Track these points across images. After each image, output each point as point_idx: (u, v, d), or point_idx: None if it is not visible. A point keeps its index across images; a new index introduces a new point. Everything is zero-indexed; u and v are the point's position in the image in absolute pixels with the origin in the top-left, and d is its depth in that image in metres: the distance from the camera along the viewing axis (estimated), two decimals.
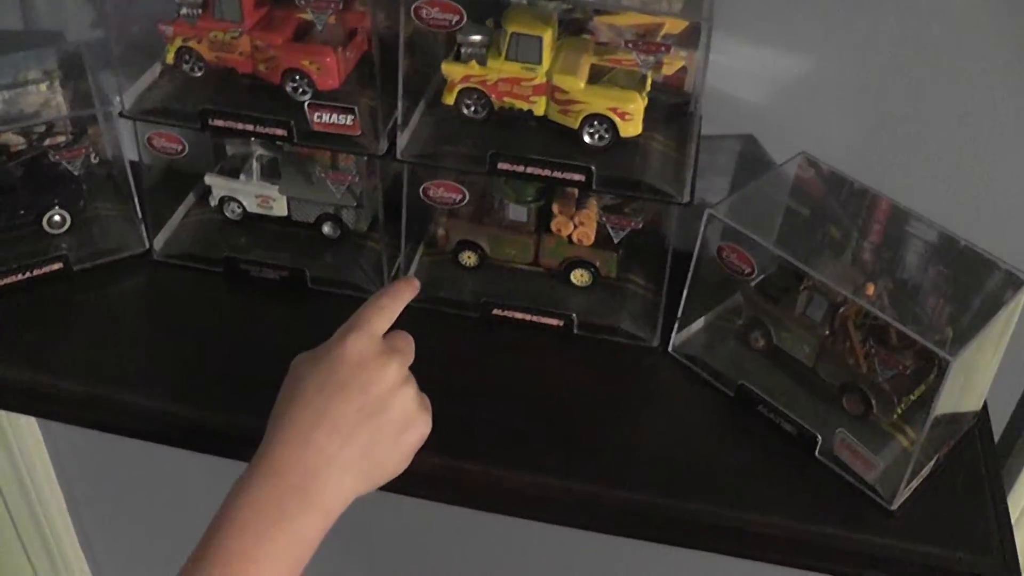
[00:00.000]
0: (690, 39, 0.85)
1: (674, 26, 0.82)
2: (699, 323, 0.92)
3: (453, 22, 0.77)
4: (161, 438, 0.86)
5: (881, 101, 0.91)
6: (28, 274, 0.92)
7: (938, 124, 0.91)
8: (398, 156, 0.84)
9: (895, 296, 0.85)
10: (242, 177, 0.95)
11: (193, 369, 0.87)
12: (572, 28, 0.86)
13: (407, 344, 0.74)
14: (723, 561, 0.82)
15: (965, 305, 0.83)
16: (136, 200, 0.94)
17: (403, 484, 0.74)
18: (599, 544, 1.29)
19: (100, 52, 0.96)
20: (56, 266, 0.92)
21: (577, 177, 0.81)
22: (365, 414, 0.68)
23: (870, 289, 0.83)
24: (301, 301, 0.93)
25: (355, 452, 0.68)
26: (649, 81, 0.84)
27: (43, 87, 0.95)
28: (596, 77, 0.83)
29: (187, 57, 0.88)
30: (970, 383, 0.85)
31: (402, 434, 0.71)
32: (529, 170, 0.82)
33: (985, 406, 0.89)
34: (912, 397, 0.83)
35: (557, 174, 0.81)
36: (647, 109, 0.84)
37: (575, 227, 0.90)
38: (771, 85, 0.90)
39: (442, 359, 0.89)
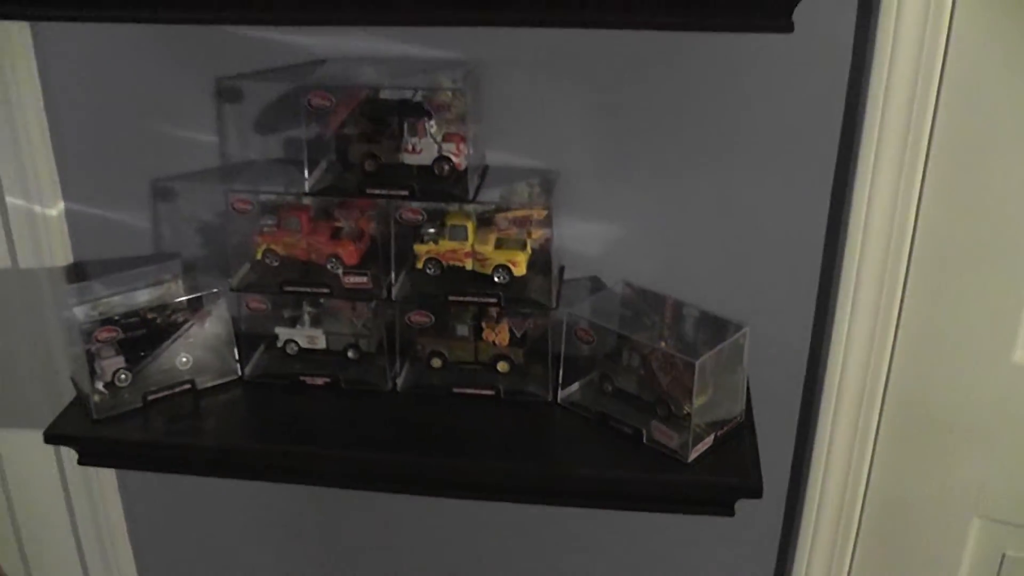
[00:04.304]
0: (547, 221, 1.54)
1: (538, 214, 1.51)
2: (584, 380, 1.55)
3: (422, 219, 1.45)
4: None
5: (674, 249, 1.59)
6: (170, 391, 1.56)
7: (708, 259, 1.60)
8: (392, 299, 1.49)
9: (681, 350, 1.50)
10: (298, 326, 1.59)
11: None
12: (484, 219, 1.53)
13: None
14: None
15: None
16: (235, 346, 1.59)
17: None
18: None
19: (206, 262, 1.63)
20: (187, 387, 1.56)
21: (492, 301, 1.47)
22: None
23: (662, 345, 1.48)
24: (337, 398, 1.56)
25: None
26: (529, 246, 1.50)
27: (172, 285, 1.61)
28: (499, 245, 1.50)
29: (269, 255, 1.54)
30: (725, 393, 1.48)
31: None
32: (467, 299, 1.47)
33: (749, 412, 1.52)
34: (697, 403, 1.46)
35: (481, 299, 1.47)
36: (532, 261, 1.50)
37: (495, 335, 1.54)
38: (604, 246, 1.58)
39: (420, 423, 1.52)
